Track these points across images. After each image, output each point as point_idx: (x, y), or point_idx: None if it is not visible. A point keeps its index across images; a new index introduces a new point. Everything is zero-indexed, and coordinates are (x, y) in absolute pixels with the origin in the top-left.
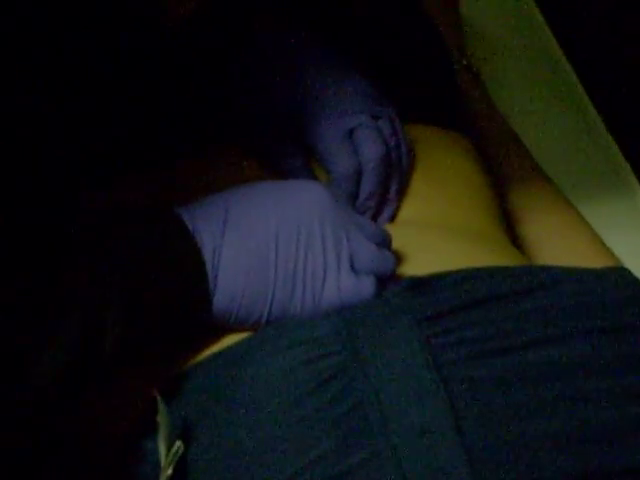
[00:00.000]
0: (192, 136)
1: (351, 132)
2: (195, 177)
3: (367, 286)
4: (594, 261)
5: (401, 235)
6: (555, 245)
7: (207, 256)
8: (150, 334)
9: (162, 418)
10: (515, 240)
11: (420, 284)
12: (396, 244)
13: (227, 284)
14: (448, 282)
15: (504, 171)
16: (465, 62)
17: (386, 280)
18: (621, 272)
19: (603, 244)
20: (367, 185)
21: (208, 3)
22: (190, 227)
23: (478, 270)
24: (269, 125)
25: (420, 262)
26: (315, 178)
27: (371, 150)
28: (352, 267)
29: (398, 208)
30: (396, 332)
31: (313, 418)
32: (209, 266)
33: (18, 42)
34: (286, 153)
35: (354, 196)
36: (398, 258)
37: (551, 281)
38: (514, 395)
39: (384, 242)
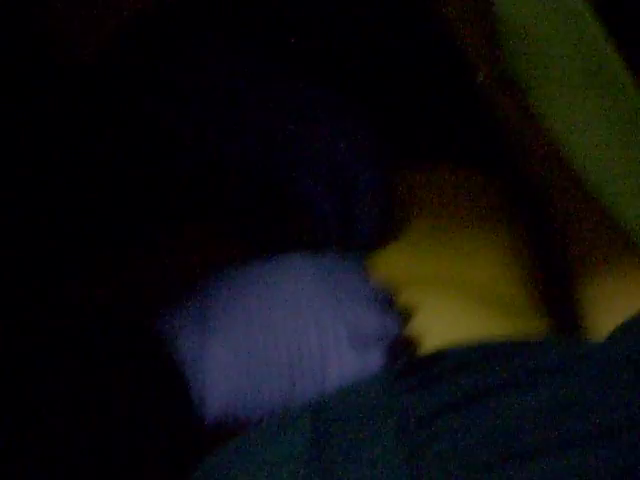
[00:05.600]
0: (162, 213)
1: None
2: (173, 258)
3: (373, 360)
4: None
5: (404, 293)
6: (613, 305)
7: (189, 369)
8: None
9: None
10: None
11: (416, 366)
12: (400, 303)
13: (217, 395)
14: (447, 365)
15: (555, 210)
16: (495, 73)
17: (394, 345)
18: None
19: None
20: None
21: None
22: (167, 339)
23: (486, 347)
24: (239, 181)
25: (423, 325)
26: (298, 239)
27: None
28: (353, 340)
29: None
30: (378, 448)
31: None
32: (193, 380)
33: None
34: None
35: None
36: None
37: (570, 363)
38: None
39: (386, 300)
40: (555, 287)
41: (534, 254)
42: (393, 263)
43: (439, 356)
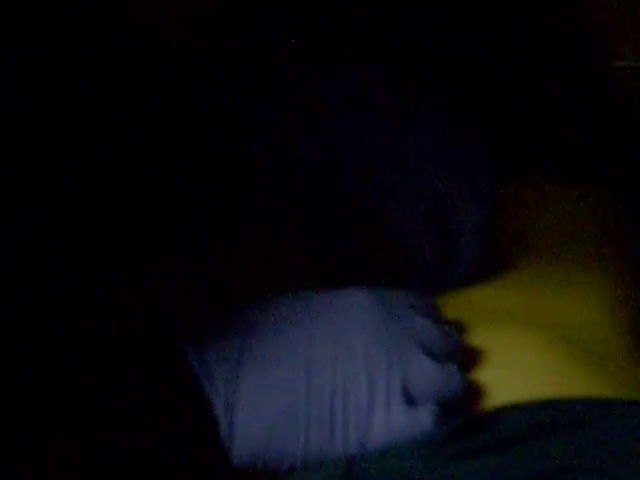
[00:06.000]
0: (213, 215)
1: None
2: (219, 269)
3: (423, 419)
4: None
5: (478, 333)
6: None
7: (218, 405)
8: None
9: None
10: None
11: (467, 429)
12: (475, 343)
13: (246, 439)
14: (499, 433)
15: None
16: None
17: (451, 404)
18: None
19: None
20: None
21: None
22: (199, 374)
23: (551, 412)
24: (332, 209)
25: (489, 376)
26: (371, 266)
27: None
28: (406, 392)
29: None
30: None
31: None
32: (222, 416)
33: None
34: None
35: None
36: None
37: None
38: None
39: (451, 352)
40: None
41: None
42: (471, 298)
43: (493, 420)
